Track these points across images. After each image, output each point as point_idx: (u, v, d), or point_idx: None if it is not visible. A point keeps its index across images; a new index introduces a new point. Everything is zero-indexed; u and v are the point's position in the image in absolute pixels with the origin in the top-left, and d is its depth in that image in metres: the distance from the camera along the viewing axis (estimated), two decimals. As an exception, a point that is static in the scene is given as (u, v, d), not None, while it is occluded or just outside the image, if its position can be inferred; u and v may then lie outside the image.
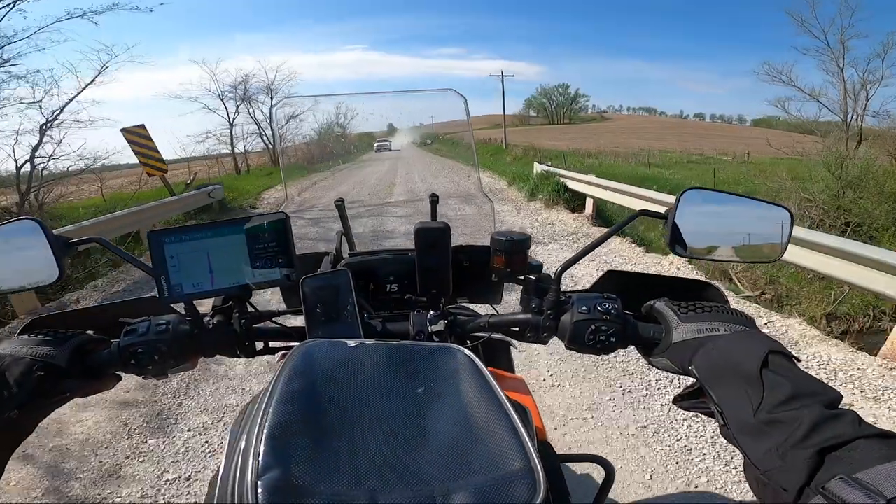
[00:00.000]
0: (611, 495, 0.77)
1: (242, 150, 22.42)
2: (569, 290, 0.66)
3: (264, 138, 21.95)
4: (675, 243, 0.61)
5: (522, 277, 0.70)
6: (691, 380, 0.53)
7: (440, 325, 0.71)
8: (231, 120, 21.45)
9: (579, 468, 1.54)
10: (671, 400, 0.61)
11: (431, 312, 0.72)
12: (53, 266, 0.61)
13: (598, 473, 1.51)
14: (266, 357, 0.73)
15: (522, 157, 18.03)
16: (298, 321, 0.70)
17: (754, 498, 0.42)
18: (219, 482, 0.45)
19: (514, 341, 0.84)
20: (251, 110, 21.73)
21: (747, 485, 0.43)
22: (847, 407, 0.42)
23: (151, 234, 0.59)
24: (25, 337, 0.58)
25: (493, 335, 0.79)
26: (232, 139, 21.42)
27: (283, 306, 0.78)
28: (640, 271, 0.77)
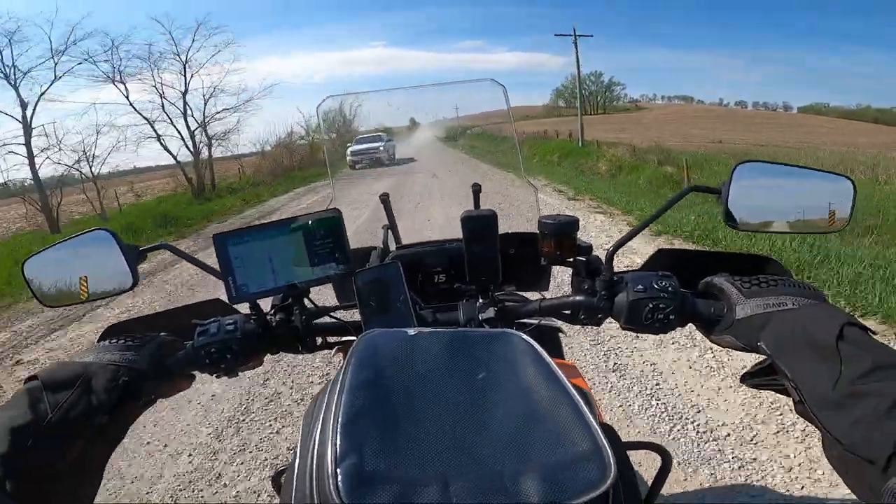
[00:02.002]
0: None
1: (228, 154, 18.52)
2: (620, 270, 0.65)
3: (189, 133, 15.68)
4: (730, 218, 0.60)
5: (571, 260, 0.70)
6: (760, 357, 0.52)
7: (490, 313, 0.71)
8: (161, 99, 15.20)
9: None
10: (738, 379, 0.60)
11: (481, 300, 0.73)
12: (128, 274, 0.64)
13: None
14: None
15: (637, 169, 10.25)
16: (350, 315, 0.72)
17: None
18: (295, 475, 0.45)
19: (564, 327, 0.84)
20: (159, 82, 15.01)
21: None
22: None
23: (217, 237, 0.62)
24: (106, 343, 0.60)
25: (543, 321, 0.80)
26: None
27: (332, 302, 0.81)
28: (692, 248, 0.76)
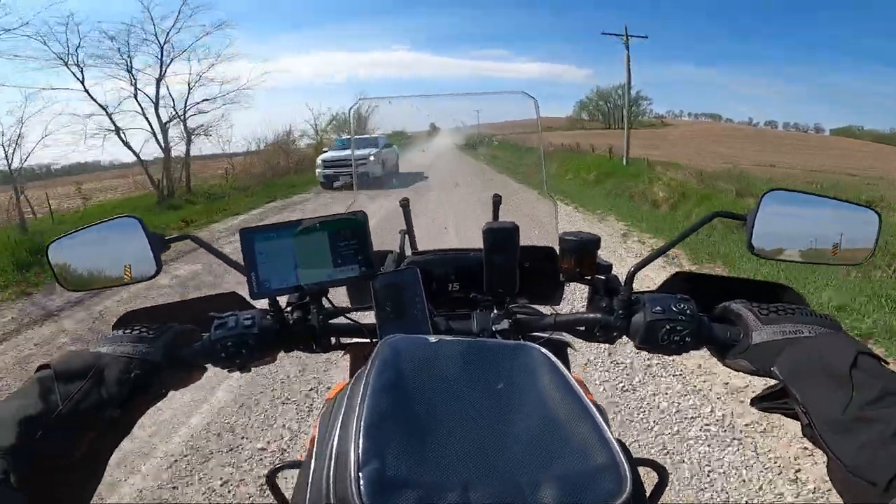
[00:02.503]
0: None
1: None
2: (637, 290, 0.66)
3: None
4: (754, 246, 0.60)
5: (589, 278, 0.70)
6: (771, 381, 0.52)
7: (504, 324, 0.72)
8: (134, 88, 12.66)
9: None
10: (749, 402, 0.60)
11: (495, 311, 0.74)
12: (151, 261, 0.65)
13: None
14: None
15: (707, 199, 7.53)
16: (363, 318, 0.72)
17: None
18: (311, 476, 0.45)
19: (574, 342, 0.84)
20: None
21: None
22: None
23: (243, 231, 0.63)
24: (121, 333, 0.60)
25: (553, 335, 0.80)
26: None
27: (343, 302, 0.81)
28: (709, 273, 0.76)
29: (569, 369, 1.00)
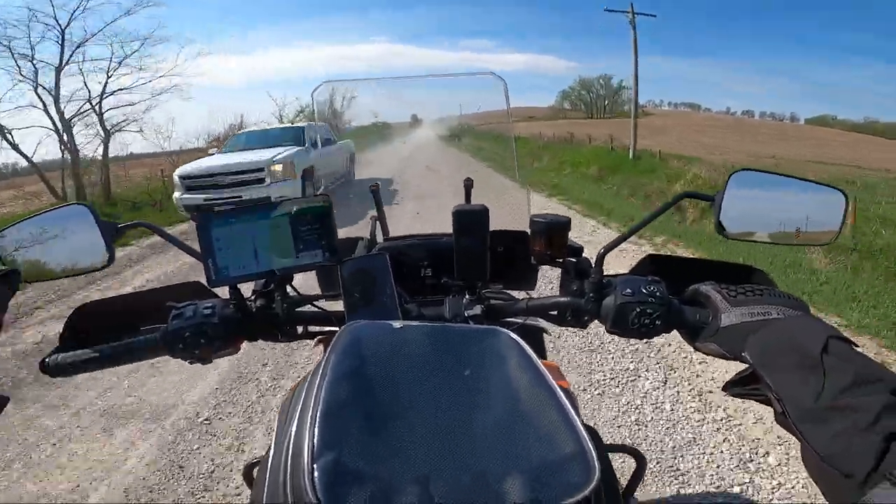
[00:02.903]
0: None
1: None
2: (608, 273, 0.65)
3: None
4: (721, 226, 0.60)
5: (561, 261, 0.69)
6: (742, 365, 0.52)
7: (477, 310, 0.71)
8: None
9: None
10: (721, 387, 0.60)
11: (467, 296, 0.72)
12: (103, 251, 0.62)
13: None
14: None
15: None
16: (334, 306, 0.71)
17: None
18: (269, 467, 0.44)
19: (549, 327, 0.83)
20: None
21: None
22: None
23: (198, 216, 0.60)
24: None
25: (528, 321, 0.79)
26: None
27: (317, 290, 0.79)
28: (680, 255, 0.75)
29: (544, 355, 1.01)
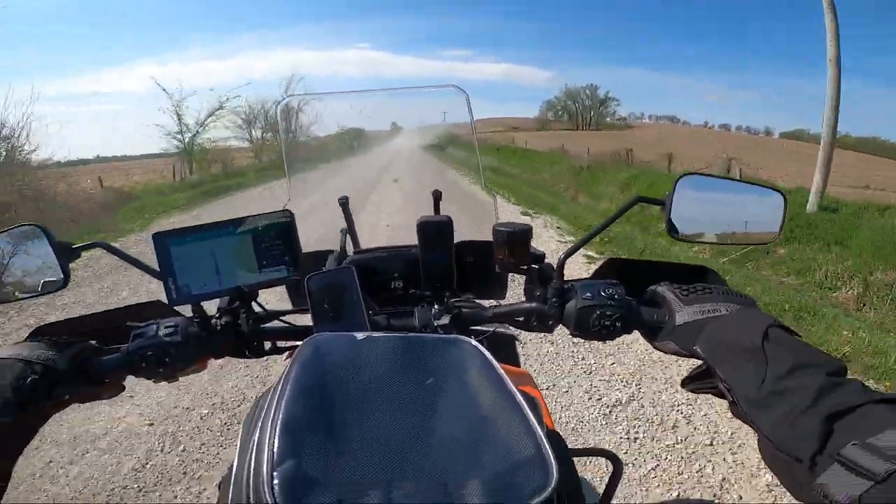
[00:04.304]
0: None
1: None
2: (572, 278, 0.67)
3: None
4: (672, 228, 0.63)
5: (525, 268, 0.71)
6: (697, 362, 0.54)
7: (445, 319, 0.71)
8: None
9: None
10: (679, 383, 0.62)
11: (436, 306, 0.73)
12: (59, 272, 0.61)
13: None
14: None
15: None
16: (305, 320, 0.70)
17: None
18: (233, 477, 0.43)
19: (520, 335, 0.84)
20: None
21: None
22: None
23: (156, 235, 0.60)
24: (27, 342, 0.57)
25: (499, 329, 0.80)
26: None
27: (288, 306, 0.78)
28: (640, 259, 0.78)
29: (517, 362, 1.02)
